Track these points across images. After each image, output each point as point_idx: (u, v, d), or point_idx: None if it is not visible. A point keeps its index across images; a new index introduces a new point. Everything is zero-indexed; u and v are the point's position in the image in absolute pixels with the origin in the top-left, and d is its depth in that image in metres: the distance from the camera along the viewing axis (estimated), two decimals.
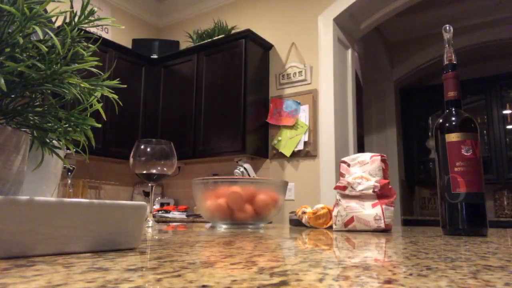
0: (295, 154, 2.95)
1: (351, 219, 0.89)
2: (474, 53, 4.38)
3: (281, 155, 3.00)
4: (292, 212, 1.18)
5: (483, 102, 4.49)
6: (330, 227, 1.00)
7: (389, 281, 0.25)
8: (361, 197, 0.91)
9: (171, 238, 0.60)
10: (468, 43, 4.17)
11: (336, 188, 0.94)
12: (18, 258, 0.31)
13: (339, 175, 0.99)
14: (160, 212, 3.19)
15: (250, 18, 3.46)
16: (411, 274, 0.27)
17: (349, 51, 3.23)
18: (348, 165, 0.98)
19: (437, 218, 0.89)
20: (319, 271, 0.28)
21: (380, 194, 0.89)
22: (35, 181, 0.54)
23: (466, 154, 0.76)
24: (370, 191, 0.89)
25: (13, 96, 0.38)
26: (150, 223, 1.00)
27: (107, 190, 3.50)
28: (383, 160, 0.95)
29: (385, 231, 0.87)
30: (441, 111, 0.93)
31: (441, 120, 0.81)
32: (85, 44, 0.42)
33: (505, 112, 4.38)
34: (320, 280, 0.24)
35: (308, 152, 2.90)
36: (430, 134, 4.73)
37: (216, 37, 3.25)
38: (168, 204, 3.51)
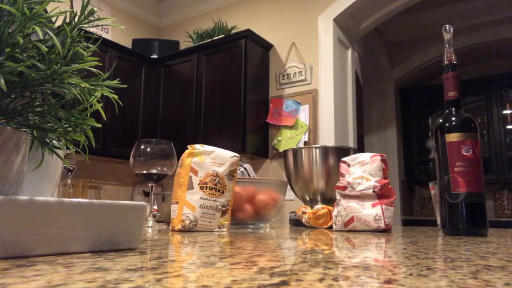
0: None
1: (351, 219, 0.89)
2: (474, 53, 4.38)
3: (281, 155, 3.00)
4: (292, 212, 1.17)
5: (483, 102, 4.49)
6: (330, 227, 1.00)
7: (389, 281, 0.25)
8: (361, 197, 0.91)
9: (171, 238, 0.60)
10: (468, 43, 4.17)
11: (336, 188, 0.94)
12: (18, 258, 0.31)
13: (339, 175, 0.99)
14: None
15: (250, 18, 3.46)
16: (411, 274, 0.27)
17: (349, 51, 3.23)
18: (348, 165, 0.98)
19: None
20: (319, 271, 0.28)
21: (380, 194, 0.89)
22: (35, 181, 0.54)
23: (466, 154, 0.76)
24: (370, 191, 0.89)
25: (13, 96, 0.38)
26: (150, 223, 1.00)
27: (107, 190, 3.50)
28: (383, 160, 0.95)
29: (385, 231, 0.87)
30: (441, 111, 0.93)
31: (441, 120, 0.81)
32: (85, 44, 0.42)
33: (505, 112, 4.38)
34: (320, 280, 0.24)
35: None
36: (430, 134, 4.72)
37: (216, 37, 3.25)
38: None
